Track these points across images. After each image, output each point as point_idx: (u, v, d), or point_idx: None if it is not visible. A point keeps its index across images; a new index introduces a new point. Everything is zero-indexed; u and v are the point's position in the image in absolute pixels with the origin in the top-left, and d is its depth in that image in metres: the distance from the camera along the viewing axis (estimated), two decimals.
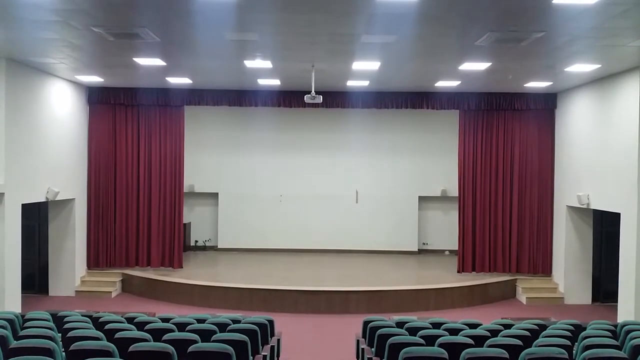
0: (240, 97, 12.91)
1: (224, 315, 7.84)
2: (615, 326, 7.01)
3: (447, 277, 12.73)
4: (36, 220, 12.29)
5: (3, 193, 9.45)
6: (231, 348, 5.41)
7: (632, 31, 7.17)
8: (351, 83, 11.68)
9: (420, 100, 12.91)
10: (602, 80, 10.71)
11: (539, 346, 5.79)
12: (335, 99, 12.82)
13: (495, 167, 13.13)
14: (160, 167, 13.16)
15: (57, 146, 11.46)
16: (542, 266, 12.93)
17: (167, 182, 13.16)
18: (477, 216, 13.11)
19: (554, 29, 7.13)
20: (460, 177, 13.17)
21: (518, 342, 5.88)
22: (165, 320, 6.98)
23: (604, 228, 12.27)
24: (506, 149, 13.10)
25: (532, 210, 12.96)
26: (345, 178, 15.75)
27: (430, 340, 5.99)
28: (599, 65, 9.48)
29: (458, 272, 13.10)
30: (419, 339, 6.05)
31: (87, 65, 10.19)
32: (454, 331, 6.51)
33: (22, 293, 10.28)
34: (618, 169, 10.12)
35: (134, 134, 13.13)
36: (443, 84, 11.63)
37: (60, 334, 6.20)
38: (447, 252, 15.64)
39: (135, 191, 13.12)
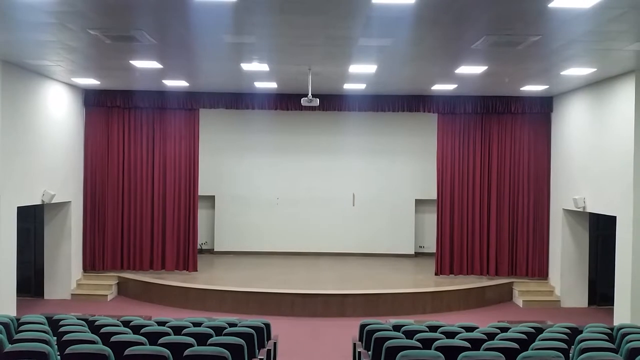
0: (237, 99, 12.90)
1: (220, 318, 7.82)
2: (612, 329, 7.02)
3: (444, 281, 12.73)
4: (32, 223, 12.23)
5: None
6: (227, 352, 5.40)
7: (627, 35, 7.20)
8: (348, 86, 11.69)
9: (416, 103, 12.92)
10: (597, 84, 10.74)
11: (536, 349, 5.78)
12: (332, 102, 12.81)
13: (496, 170, 13.08)
14: (174, 170, 13.10)
15: (53, 149, 11.43)
16: (539, 269, 12.93)
17: (182, 186, 13.12)
18: (455, 218, 13.09)
19: (550, 33, 7.16)
20: (439, 181, 13.12)
21: (515, 345, 5.88)
22: (161, 323, 6.95)
23: (600, 231, 12.27)
24: (505, 152, 13.08)
25: (528, 213, 12.96)
26: (342, 181, 15.75)
27: (426, 343, 5.99)
28: (595, 69, 9.51)
29: (435, 274, 13.10)
30: (416, 342, 6.04)
31: (84, 67, 10.17)
32: (450, 334, 6.50)
33: (17, 296, 10.23)
34: (614, 172, 10.15)
35: (131, 136, 13.06)
36: (439, 87, 11.64)
37: (55, 338, 6.15)
38: None
39: (150, 194, 13.05)
